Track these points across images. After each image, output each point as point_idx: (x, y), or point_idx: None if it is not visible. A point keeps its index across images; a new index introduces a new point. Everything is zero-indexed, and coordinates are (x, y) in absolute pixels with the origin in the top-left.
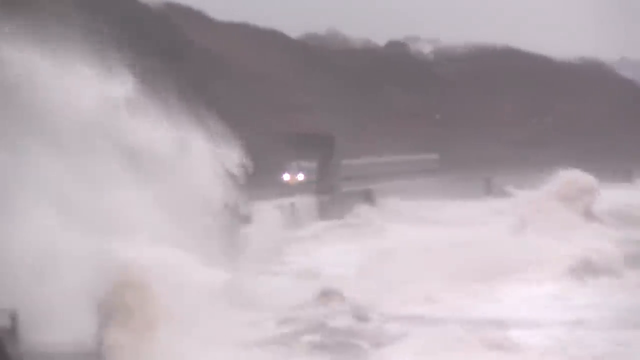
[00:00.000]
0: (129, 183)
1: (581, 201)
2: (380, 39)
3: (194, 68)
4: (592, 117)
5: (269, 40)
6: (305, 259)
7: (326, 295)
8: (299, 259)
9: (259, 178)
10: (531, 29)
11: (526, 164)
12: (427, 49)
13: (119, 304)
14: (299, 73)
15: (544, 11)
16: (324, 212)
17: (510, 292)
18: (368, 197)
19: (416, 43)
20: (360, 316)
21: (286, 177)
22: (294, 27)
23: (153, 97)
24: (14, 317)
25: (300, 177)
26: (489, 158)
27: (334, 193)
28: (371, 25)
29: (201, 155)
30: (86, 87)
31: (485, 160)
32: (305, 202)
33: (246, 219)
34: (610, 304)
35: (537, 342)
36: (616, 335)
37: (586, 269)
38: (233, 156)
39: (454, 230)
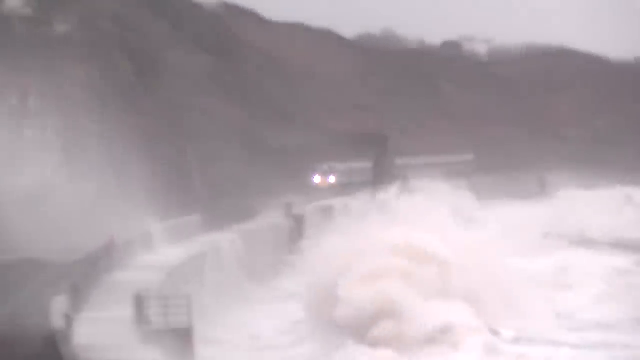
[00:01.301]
0: None
1: None
2: (436, 40)
3: (248, 68)
4: None
5: (324, 40)
6: None
7: None
8: None
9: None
10: (586, 29)
11: (583, 163)
12: (482, 49)
13: None
14: (354, 73)
15: (598, 12)
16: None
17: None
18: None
19: (471, 43)
20: None
21: (317, 179)
22: (349, 27)
23: None
24: (68, 319)
25: (332, 179)
26: (544, 157)
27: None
28: (426, 25)
29: None
30: None
31: (541, 159)
32: (361, 202)
33: (300, 219)
34: None
35: None
36: None
37: None
38: None
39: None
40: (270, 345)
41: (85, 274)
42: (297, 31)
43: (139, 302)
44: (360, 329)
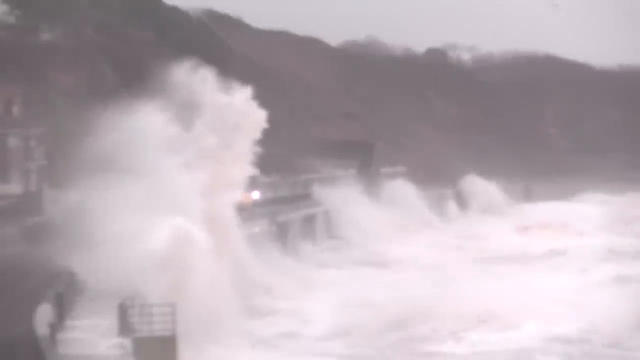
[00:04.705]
0: None
1: None
2: (420, 47)
3: (234, 75)
4: (633, 124)
5: (308, 47)
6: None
7: None
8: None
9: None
10: (570, 37)
11: (567, 171)
12: (467, 56)
13: None
14: (339, 80)
15: (582, 20)
16: None
17: None
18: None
19: (456, 51)
20: None
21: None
22: (333, 34)
23: None
24: (52, 327)
25: (256, 195)
26: (530, 165)
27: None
28: (410, 33)
29: None
30: None
31: (526, 166)
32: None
33: (284, 227)
34: None
35: None
36: None
37: None
38: None
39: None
40: None
41: (69, 282)
42: (282, 38)
43: (123, 311)
44: None
